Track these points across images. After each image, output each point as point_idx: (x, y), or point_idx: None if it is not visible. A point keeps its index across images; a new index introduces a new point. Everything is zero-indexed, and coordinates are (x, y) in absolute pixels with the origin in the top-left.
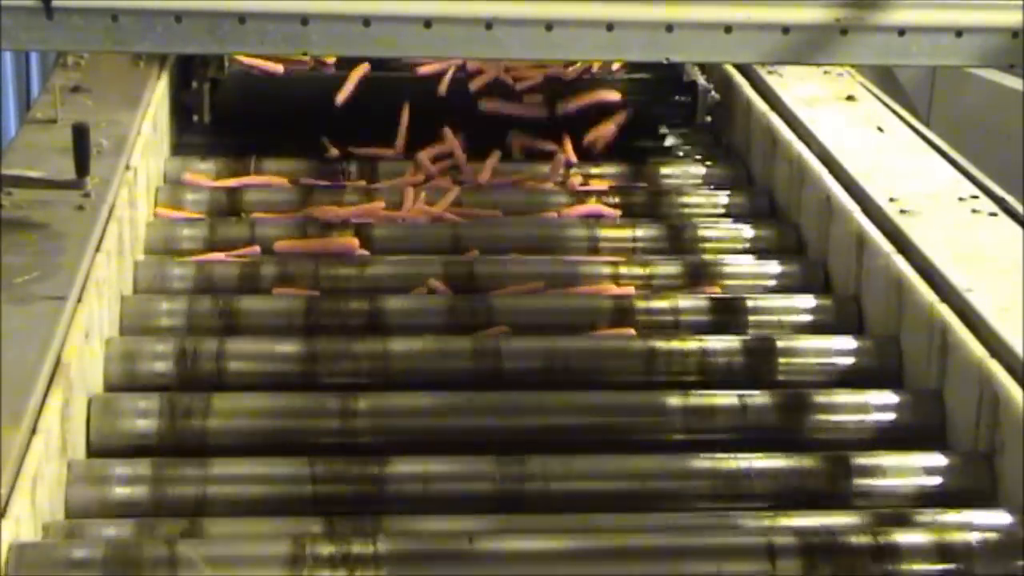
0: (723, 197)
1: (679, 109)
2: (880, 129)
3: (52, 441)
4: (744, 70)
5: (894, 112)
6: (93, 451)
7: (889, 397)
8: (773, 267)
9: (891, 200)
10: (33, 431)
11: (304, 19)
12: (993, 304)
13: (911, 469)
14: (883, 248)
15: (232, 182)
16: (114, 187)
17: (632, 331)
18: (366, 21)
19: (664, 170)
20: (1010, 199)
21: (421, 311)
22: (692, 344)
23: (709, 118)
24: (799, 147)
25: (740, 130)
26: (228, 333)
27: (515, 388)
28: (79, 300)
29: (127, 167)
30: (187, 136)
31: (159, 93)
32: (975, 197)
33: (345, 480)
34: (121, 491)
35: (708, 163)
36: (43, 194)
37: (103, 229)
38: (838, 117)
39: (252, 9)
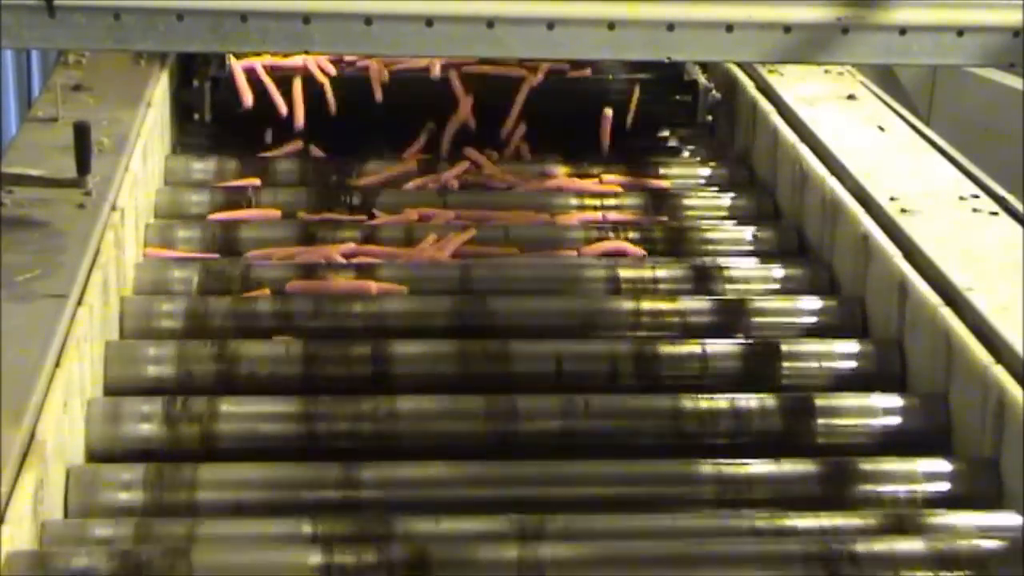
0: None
1: (679, 108)
2: (881, 128)
3: (23, 529)
4: (768, 94)
5: (895, 111)
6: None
7: (941, 465)
8: (812, 303)
9: (892, 199)
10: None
11: (306, 18)
12: (993, 304)
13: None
14: (930, 300)
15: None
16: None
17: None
18: (368, 20)
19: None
20: (1011, 198)
21: (429, 356)
22: (723, 403)
23: (710, 117)
24: (832, 183)
25: (766, 161)
26: (221, 382)
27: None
28: (57, 364)
29: (113, 207)
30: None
31: (150, 122)
32: (976, 196)
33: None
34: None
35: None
36: (44, 192)
37: (85, 279)
38: (839, 116)
39: (254, 8)
